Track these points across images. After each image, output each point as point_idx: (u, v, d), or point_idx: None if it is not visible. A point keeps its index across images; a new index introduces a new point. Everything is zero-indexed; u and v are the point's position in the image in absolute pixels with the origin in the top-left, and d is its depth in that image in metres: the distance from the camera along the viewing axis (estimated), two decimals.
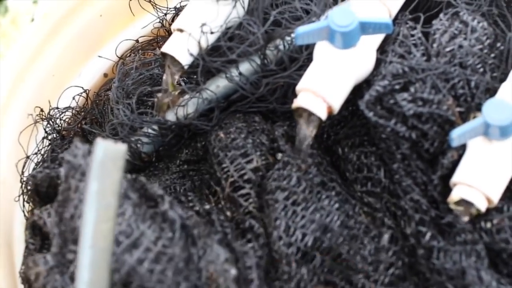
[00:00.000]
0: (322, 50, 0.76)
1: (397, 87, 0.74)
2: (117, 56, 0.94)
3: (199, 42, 0.79)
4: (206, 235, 0.73)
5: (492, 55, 0.77)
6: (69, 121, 0.91)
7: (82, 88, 0.92)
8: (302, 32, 0.74)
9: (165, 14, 0.93)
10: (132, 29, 0.96)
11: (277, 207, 0.74)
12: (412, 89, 0.74)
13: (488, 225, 0.73)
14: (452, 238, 0.72)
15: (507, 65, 0.78)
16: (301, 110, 0.75)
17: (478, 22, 0.78)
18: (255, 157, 0.77)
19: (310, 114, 0.75)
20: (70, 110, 0.91)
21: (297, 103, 0.75)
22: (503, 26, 0.79)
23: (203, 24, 0.79)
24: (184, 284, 0.69)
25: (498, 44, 0.78)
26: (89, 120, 0.91)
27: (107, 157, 0.65)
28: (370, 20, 0.73)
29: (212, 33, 0.79)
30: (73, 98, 0.91)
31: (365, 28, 0.74)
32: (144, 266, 0.68)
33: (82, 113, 0.90)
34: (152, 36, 0.95)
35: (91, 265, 0.64)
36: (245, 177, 0.77)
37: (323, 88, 0.74)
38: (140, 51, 0.94)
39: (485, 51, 0.77)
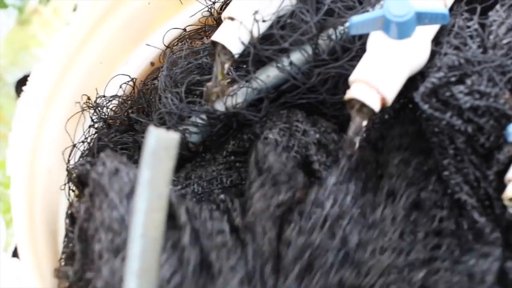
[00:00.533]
0: (376, 41, 0.74)
1: (453, 79, 0.73)
2: (165, 45, 0.93)
3: (250, 31, 0.78)
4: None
5: None
6: (116, 109, 0.90)
7: (129, 76, 0.92)
8: (357, 21, 0.72)
9: (214, 3, 0.92)
10: (180, 18, 0.95)
11: None
12: (468, 82, 0.72)
13: None
14: None
15: None
16: (353, 102, 0.74)
17: None
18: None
19: (363, 105, 0.73)
20: (117, 99, 0.90)
21: (350, 94, 0.73)
22: None
23: (255, 12, 0.78)
24: None
25: None
26: (136, 109, 0.90)
27: (159, 145, 0.64)
28: (427, 10, 0.72)
29: (264, 21, 0.77)
30: (120, 87, 0.91)
31: (421, 18, 0.72)
32: None
33: (129, 102, 0.90)
34: (200, 25, 0.94)
35: (141, 254, 0.63)
36: None
37: (376, 79, 0.73)
38: (188, 40, 0.93)
39: None
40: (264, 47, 0.78)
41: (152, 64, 0.94)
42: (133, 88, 0.92)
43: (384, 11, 0.72)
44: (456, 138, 0.72)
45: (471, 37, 0.76)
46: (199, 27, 0.94)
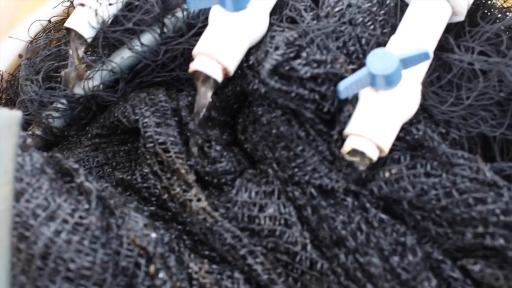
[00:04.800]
0: (216, 14, 0.78)
1: (291, 55, 0.76)
2: (30, 36, 0.95)
3: (100, 15, 0.81)
4: (122, 204, 0.76)
5: (382, 11, 0.80)
6: None
7: None
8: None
9: None
10: (44, 10, 0.97)
11: None
12: (304, 54, 0.76)
13: (387, 174, 0.76)
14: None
15: (396, 19, 0.80)
16: (198, 74, 0.78)
17: None
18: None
19: (207, 77, 0.77)
20: None
21: (192, 66, 0.77)
22: None
23: None
24: (101, 251, 0.71)
25: (388, 1, 0.81)
26: (4, 100, 0.92)
27: (2, 123, 0.67)
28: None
29: (110, 4, 0.81)
30: None
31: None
32: (61, 237, 0.69)
33: None
34: (64, 16, 0.96)
35: None
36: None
37: (217, 50, 0.77)
38: (52, 31, 0.95)
39: (375, 8, 0.80)
40: (111, 29, 0.81)
41: (20, 56, 0.96)
42: (0, 81, 0.94)
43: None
44: (305, 110, 0.76)
45: (305, 10, 0.80)
46: (63, 17, 0.96)
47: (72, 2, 0.94)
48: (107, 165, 0.87)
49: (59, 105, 0.85)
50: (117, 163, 0.87)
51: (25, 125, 0.87)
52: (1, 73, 0.94)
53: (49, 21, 0.97)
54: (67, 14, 0.96)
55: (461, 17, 0.80)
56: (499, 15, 0.82)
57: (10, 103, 0.92)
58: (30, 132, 0.87)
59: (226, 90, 0.82)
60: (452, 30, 0.81)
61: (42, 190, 0.72)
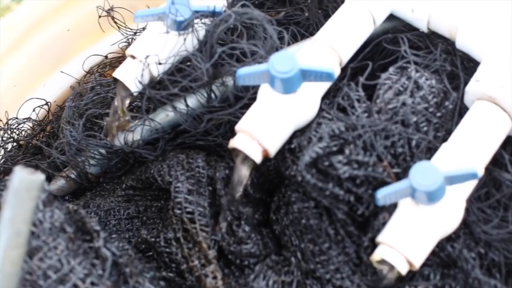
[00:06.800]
0: (265, 92, 0.76)
1: (334, 149, 0.73)
2: (84, 70, 0.94)
3: (147, 72, 0.79)
4: (138, 273, 0.73)
5: (439, 114, 0.76)
6: (29, 132, 0.92)
7: (45, 100, 0.93)
8: (243, 73, 0.73)
9: (135, 33, 0.93)
10: (101, 45, 0.96)
11: None
12: (347, 151, 0.73)
13: None
14: None
15: (453, 124, 0.76)
16: (237, 151, 0.75)
17: (426, 80, 0.76)
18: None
19: (246, 156, 0.75)
20: (31, 122, 0.92)
21: (232, 143, 0.75)
22: (447, 85, 0.77)
23: (155, 54, 0.79)
24: None
25: (447, 103, 0.77)
26: (48, 133, 0.91)
27: (22, 185, 0.66)
28: (312, 68, 0.73)
29: (160, 64, 0.78)
30: (33, 110, 0.92)
31: (306, 75, 0.73)
32: None
33: (39, 126, 0.91)
34: (121, 53, 0.95)
35: None
36: None
37: (259, 131, 0.74)
38: (107, 67, 0.94)
39: (431, 109, 0.76)
40: (156, 92, 0.79)
41: (72, 88, 0.96)
42: (48, 112, 0.93)
43: (269, 66, 0.73)
44: (337, 209, 0.73)
45: (358, 100, 0.77)
46: (120, 55, 0.95)
47: (129, 44, 0.93)
48: (137, 219, 0.86)
49: (96, 153, 0.83)
50: (148, 218, 0.86)
51: (61, 166, 0.86)
52: (49, 104, 0.93)
53: (106, 56, 0.95)
54: (123, 52, 0.95)
55: None
56: None
57: (53, 137, 0.91)
58: (64, 174, 0.86)
59: (267, 165, 0.80)
60: (511, 144, 0.77)
61: (58, 250, 0.70)
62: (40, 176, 0.66)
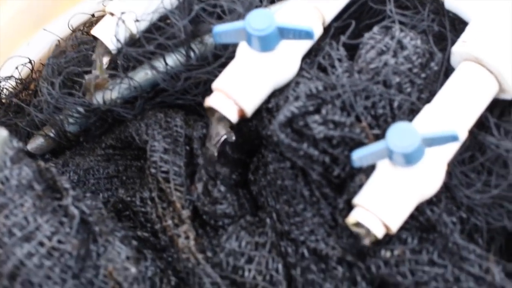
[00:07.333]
0: (243, 51, 0.73)
1: (310, 108, 0.71)
2: (70, 28, 0.92)
3: (126, 29, 0.77)
4: (109, 232, 0.72)
5: (423, 75, 0.73)
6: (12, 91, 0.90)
7: (28, 58, 0.91)
8: (220, 30, 0.71)
9: None
10: (90, 3, 0.94)
11: None
12: (323, 111, 0.70)
13: (388, 254, 0.70)
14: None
15: (437, 86, 0.74)
16: (213, 110, 0.73)
17: (411, 39, 0.74)
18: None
19: (222, 115, 0.73)
20: (14, 80, 0.90)
21: (208, 102, 0.73)
22: (433, 46, 0.74)
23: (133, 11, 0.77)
24: (71, 282, 0.68)
25: (432, 64, 0.74)
26: (31, 91, 0.90)
27: None
28: (289, 26, 0.70)
29: (137, 21, 0.76)
30: (16, 68, 0.90)
31: (284, 33, 0.71)
32: (33, 260, 0.67)
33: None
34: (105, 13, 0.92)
35: None
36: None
37: (235, 90, 0.72)
38: (94, 25, 0.91)
39: (415, 70, 0.73)
40: (131, 49, 0.77)
41: (57, 46, 0.93)
42: (31, 71, 0.91)
43: (245, 23, 0.70)
44: (312, 170, 0.71)
45: (339, 59, 0.74)
46: (104, 14, 0.92)
47: None
48: (116, 178, 0.84)
49: (74, 111, 0.82)
50: (127, 177, 0.84)
51: (40, 124, 0.84)
52: (33, 62, 0.91)
53: (92, 15, 0.93)
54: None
55: (508, 95, 0.73)
56: None
57: (36, 96, 0.89)
58: (42, 132, 0.84)
59: (249, 125, 0.78)
60: (497, 107, 0.74)
61: (24, 207, 0.69)
62: (3, 132, 0.65)
